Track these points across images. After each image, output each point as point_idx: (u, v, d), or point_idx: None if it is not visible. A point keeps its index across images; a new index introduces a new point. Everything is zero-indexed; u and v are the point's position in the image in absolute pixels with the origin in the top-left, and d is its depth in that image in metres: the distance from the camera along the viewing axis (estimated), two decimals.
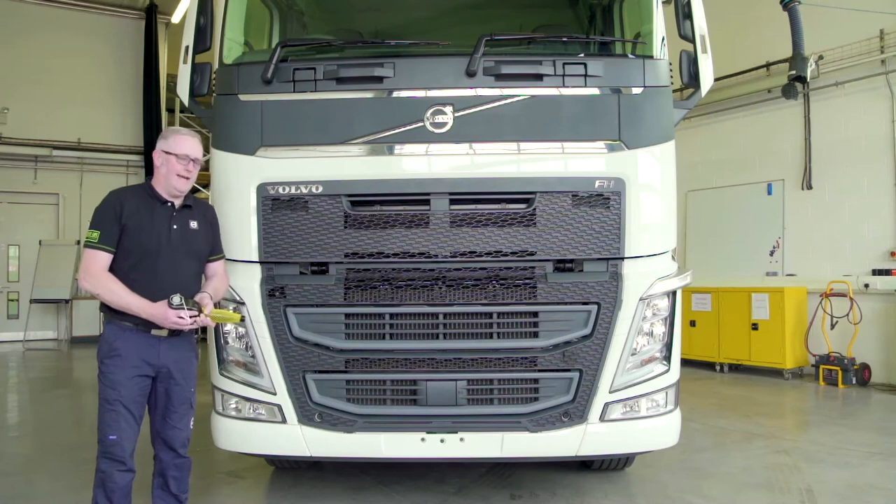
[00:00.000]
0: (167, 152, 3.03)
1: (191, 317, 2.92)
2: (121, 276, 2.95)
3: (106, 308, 3.00)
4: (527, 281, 3.39)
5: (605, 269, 3.42)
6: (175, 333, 3.04)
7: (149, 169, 14.12)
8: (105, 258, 2.94)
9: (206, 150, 3.77)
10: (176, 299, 2.86)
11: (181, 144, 3.05)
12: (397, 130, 3.36)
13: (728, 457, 4.93)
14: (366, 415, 3.40)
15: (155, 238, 3.00)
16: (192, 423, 3.23)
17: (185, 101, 3.62)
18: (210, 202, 3.55)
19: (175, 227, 3.06)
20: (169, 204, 3.08)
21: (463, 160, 3.39)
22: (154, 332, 2.98)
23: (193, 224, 3.14)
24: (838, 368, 7.77)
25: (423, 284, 3.39)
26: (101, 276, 2.92)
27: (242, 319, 3.26)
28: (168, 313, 2.87)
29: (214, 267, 3.31)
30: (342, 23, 4.44)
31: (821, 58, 8.35)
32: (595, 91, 3.40)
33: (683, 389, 3.84)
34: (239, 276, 3.46)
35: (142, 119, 14.33)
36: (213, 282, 3.25)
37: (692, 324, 9.11)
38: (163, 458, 3.16)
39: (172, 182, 3.04)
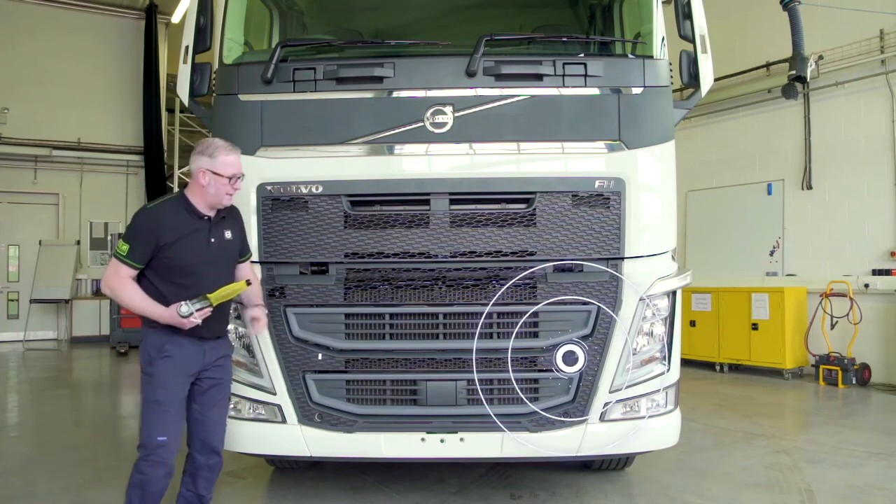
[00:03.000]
0: (216, 174, 2.96)
1: (201, 312, 2.91)
2: (164, 290, 2.95)
3: None
4: (527, 281, 3.39)
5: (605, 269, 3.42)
6: (217, 336, 3.10)
7: (149, 169, 14.30)
8: (130, 271, 2.94)
9: None
10: (184, 309, 2.87)
11: (230, 166, 2.99)
12: (397, 130, 3.36)
13: (728, 457, 4.93)
14: (366, 415, 3.40)
15: (195, 255, 2.98)
16: (225, 419, 3.24)
17: (185, 101, 3.62)
18: None
19: (213, 240, 3.04)
20: (206, 218, 3.04)
21: (463, 160, 3.39)
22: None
23: (228, 234, 3.12)
24: (838, 368, 7.77)
25: (423, 284, 3.39)
26: (122, 285, 2.94)
27: (249, 284, 3.17)
28: (183, 321, 2.89)
29: (243, 269, 3.27)
30: (342, 23, 4.44)
31: (821, 58, 8.35)
32: (595, 91, 3.40)
33: (683, 389, 3.84)
34: None
35: (142, 119, 14.34)
36: (243, 275, 3.23)
37: (692, 324, 9.11)
38: (197, 458, 3.15)
39: (222, 201, 3.03)
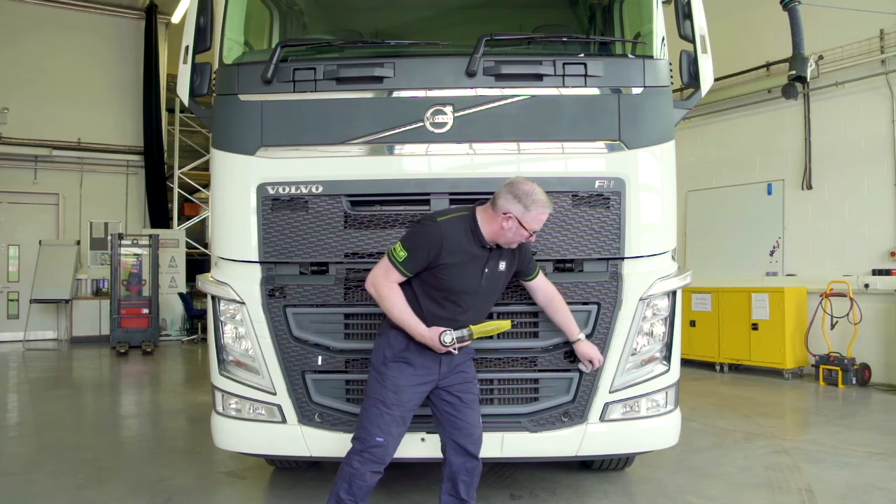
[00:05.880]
0: (522, 225, 2.87)
1: (462, 344, 2.92)
2: (424, 304, 2.93)
3: None
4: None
5: (605, 269, 3.43)
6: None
7: (149, 169, 14.31)
8: (400, 277, 2.91)
9: (206, 151, 3.77)
10: (447, 339, 2.86)
11: (538, 223, 2.91)
12: (397, 130, 3.35)
13: (728, 457, 4.93)
14: None
15: (466, 284, 2.93)
16: (480, 421, 3.15)
17: (185, 101, 3.62)
18: (210, 202, 3.55)
19: (487, 270, 2.97)
20: (488, 247, 2.97)
21: (463, 160, 3.39)
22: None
23: (502, 266, 3.04)
24: (838, 368, 7.77)
25: None
26: (390, 290, 2.91)
27: (513, 324, 3.18)
28: (441, 347, 2.88)
29: (540, 286, 3.24)
30: (342, 23, 4.43)
31: (821, 58, 8.35)
32: (595, 91, 3.40)
33: (683, 389, 3.84)
34: (239, 276, 3.46)
35: (142, 119, 14.36)
36: (556, 305, 3.23)
37: (692, 324, 9.11)
38: (453, 462, 3.08)
39: (511, 244, 2.97)
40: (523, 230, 2.89)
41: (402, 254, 2.87)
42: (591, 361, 3.26)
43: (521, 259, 3.15)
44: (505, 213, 2.87)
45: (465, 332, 2.92)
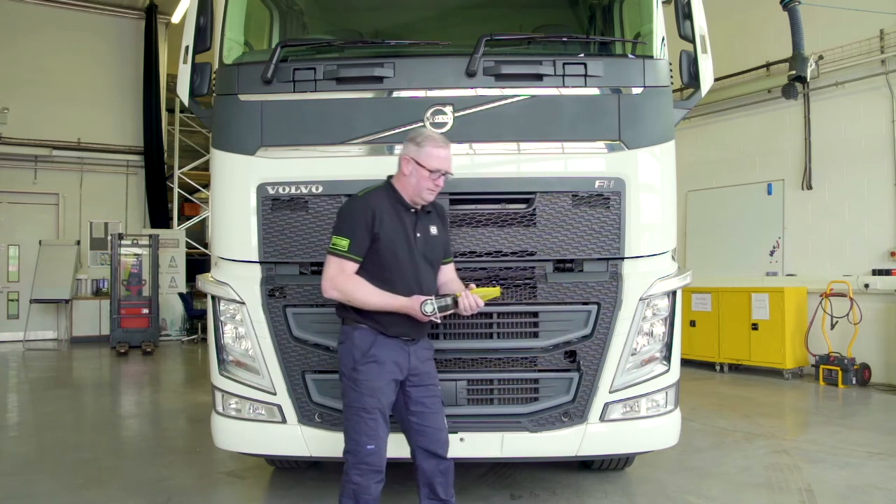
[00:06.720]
0: (419, 164, 2.85)
1: (444, 313, 2.85)
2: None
3: (353, 312, 2.91)
4: (527, 281, 3.39)
5: (605, 269, 3.43)
6: (421, 338, 3.02)
7: (149, 169, 14.31)
8: (355, 266, 2.86)
9: (206, 151, 3.77)
10: (428, 308, 2.80)
11: (434, 159, 2.85)
12: (397, 130, 3.35)
13: (728, 457, 4.93)
14: None
15: (404, 248, 2.89)
16: (445, 422, 3.10)
17: (185, 101, 3.62)
18: (210, 202, 3.55)
19: (418, 234, 2.95)
20: (413, 210, 2.96)
21: (463, 160, 3.37)
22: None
23: (433, 230, 3.02)
24: (838, 368, 7.77)
25: None
26: (353, 283, 2.85)
27: (502, 292, 3.13)
28: (423, 317, 2.83)
29: (447, 271, 3.16)
30: (342, 23, 4.44)
31: (821, 58, 8.35)
32: (595, 91, 3.40)
33: (683, 389, 3.84)
34: (239, 276, 3.46)
35: (142, 119, 14.36)
36: (451, 286, 3.11)
37: (692, 324, 9.11)
38: (426, 467, 3.03)
39: (422, 195, 2.91)
40: (423, 170, 2.85)
41: (345, 242, 2.83)
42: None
43: (447, 235, 3.14)
44: (403, 158, 2.90)
45: (447, 300, 2.84)
